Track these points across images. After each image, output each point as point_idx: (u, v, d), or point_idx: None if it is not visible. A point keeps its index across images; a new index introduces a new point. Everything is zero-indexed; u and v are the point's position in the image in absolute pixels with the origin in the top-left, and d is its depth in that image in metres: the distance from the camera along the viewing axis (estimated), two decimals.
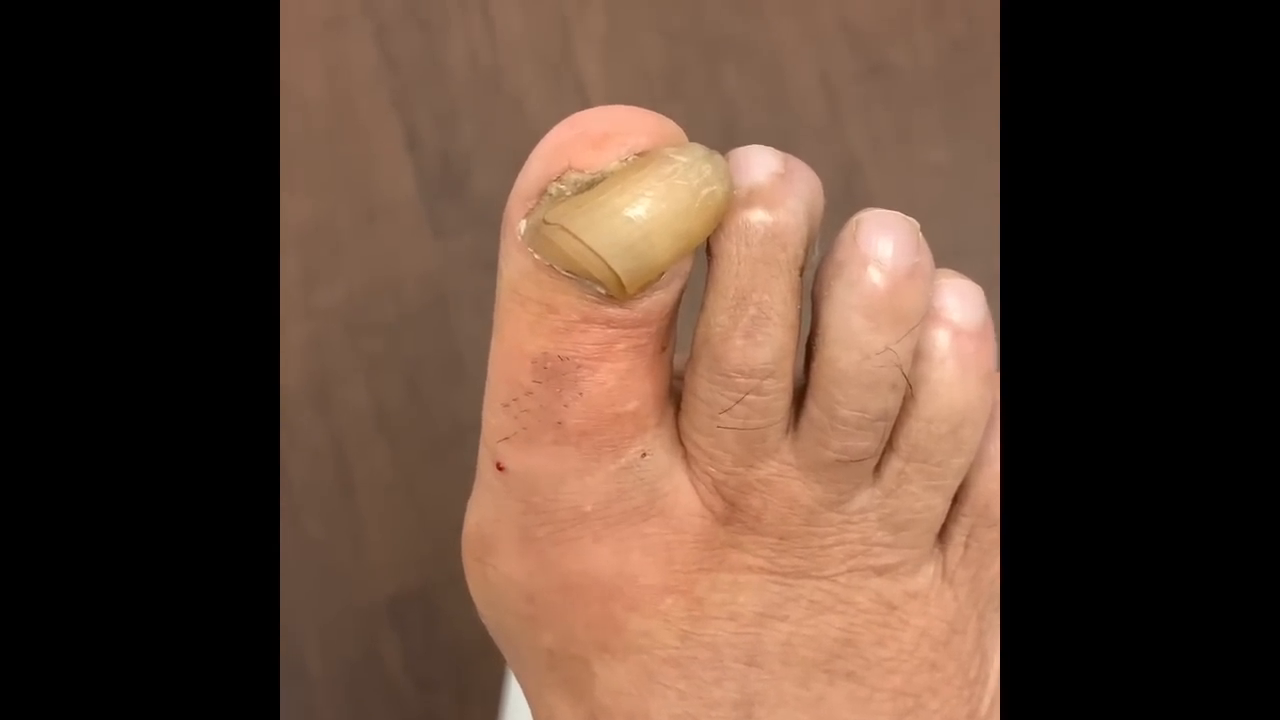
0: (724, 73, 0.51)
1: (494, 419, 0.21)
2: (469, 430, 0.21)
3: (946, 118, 0.51)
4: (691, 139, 0.46)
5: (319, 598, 0.50)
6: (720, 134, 0.50)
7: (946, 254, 0.50)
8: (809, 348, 0.21)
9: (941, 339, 0.21)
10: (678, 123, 0.56)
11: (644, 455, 0.21)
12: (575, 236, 0.19)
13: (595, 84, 0.51)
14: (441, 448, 0.50)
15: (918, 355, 0.21)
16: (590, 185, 0.19)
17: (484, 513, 0.22)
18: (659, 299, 0.20)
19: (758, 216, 0.20)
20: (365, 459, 0.50)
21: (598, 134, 0.20)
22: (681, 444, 0.21)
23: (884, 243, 0.20)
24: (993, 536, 0.22)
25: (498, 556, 0.22)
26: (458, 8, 0.52)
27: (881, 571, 0.21)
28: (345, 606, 0.50)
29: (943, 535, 0.22)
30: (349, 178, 0.51)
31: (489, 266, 0.21)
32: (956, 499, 0.22)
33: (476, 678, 0.49)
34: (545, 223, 0.20)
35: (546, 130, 0.22)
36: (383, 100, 0.51)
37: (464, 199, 0.51)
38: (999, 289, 0.20)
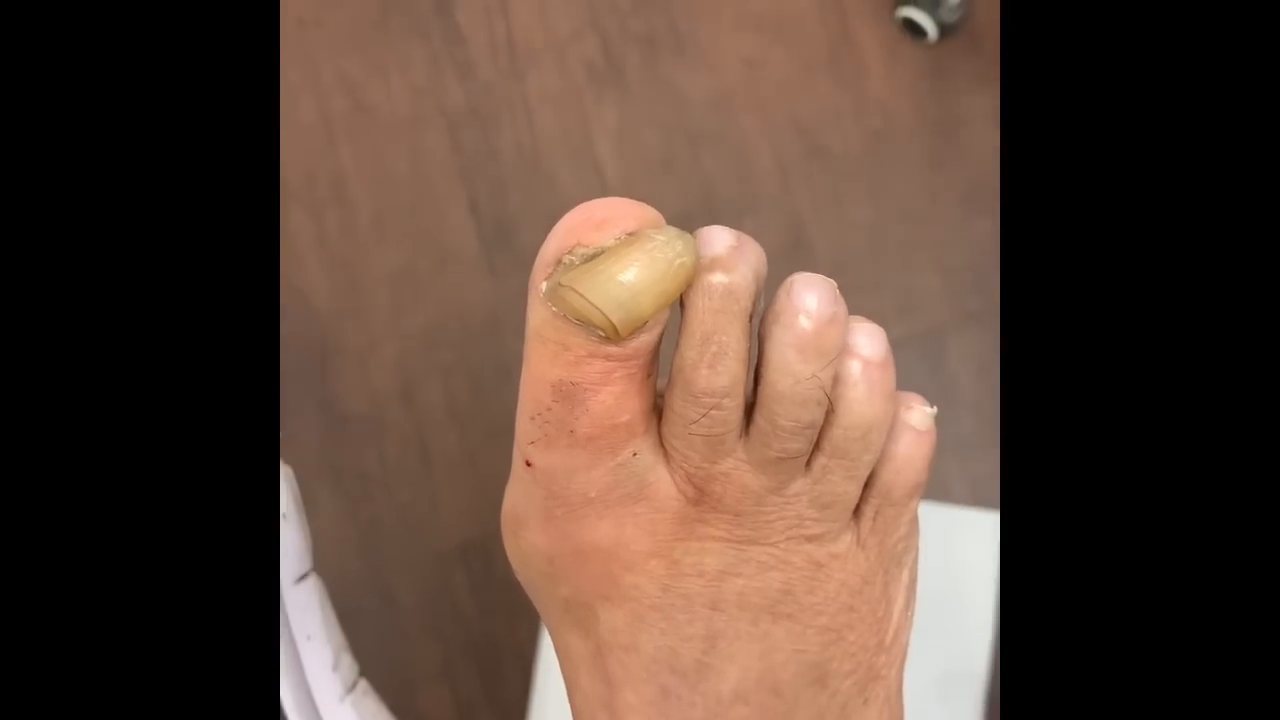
0: (704, 156, 0.51)
1: (523, 427, 0.21)
2: (514, 424, 0.21)
3: (869, 188, 0.50)
4: (680, 206, 0.46)
5: (407, 546, 0.50)
6: (701, 202, 0.49)
7: (867, 287, 0.50)
8: (756, 375, 0.21)
9: (854, 368, 0.21)
10: (670, 194, 0.56)
11: (635, 454, 0.21)
12: (582, 295, 0.19)
13: (609, 164, 0.51)
14: (495, 434, 0.50)
15: (836, 380, 0.21)
16: (593, 257, 0.19)
17: (517, 498, 0.22)
18: (645, 340, 0.20)
19: (718, 278, 0.20)
20: (440, 442, 0.50)
21: (599, 219, 0.20)
22: (662, 446, 0.21)
23: (810, 298, 0.20)
24: (894, 513, 0.22)
25: (527, 530, 0.22)
26: (507, 109, 0.52)
27: (811, 539, 0.21)
28: (426, 552, 0.50)
29: (856, 512, 0.22)
30: (428, 234, 0.51)
31: None
32: (866, 485, 0.22)
33: (523, 606, 0.49)
34: (560, 285, 0.20)
35: (573, 200, 0.22)
36: (452, 177, 0.51)
37: (512, 250, 0.51)
38: (999, 297, 0.20)
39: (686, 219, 0.54)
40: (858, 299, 0.50)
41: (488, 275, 0.50)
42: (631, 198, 0.20)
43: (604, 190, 0.51)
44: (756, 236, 0.33)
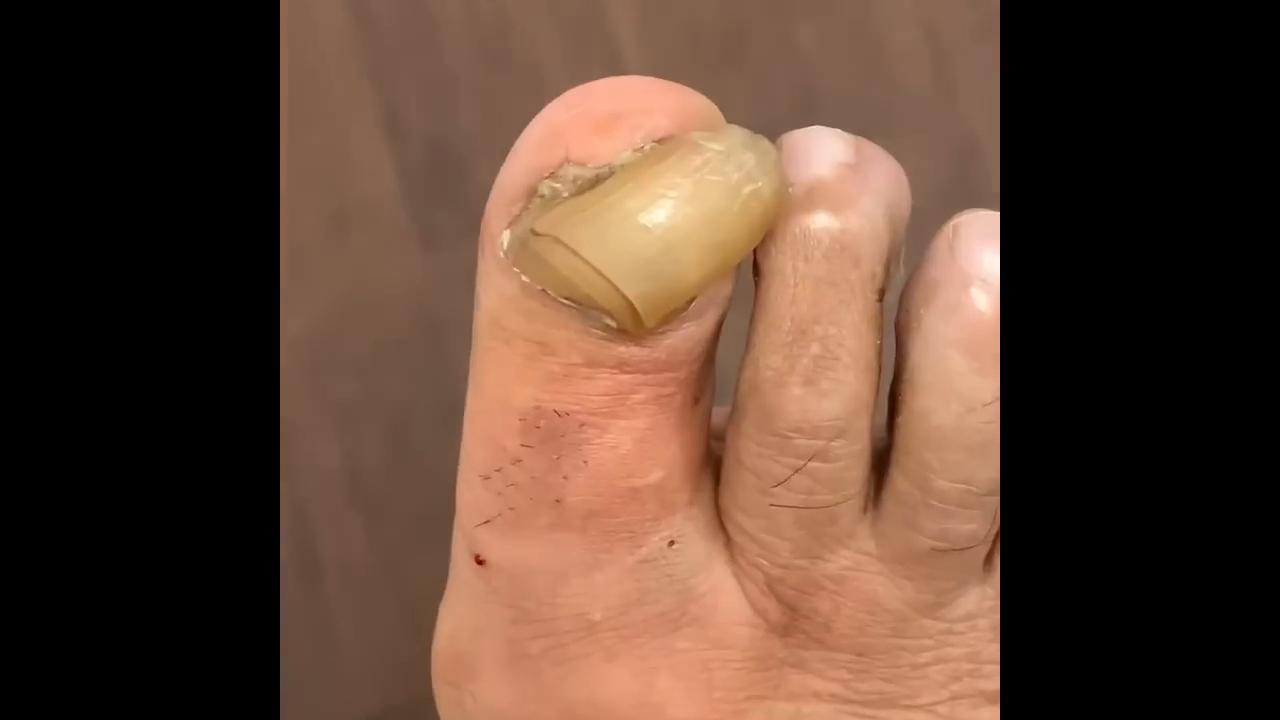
0: (798, 28, 0.51)
1: (471, 496, 0.21)
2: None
3: None
4: (755, 112, 0.47)
5: (281, 716, 0.50)
6: (793, 107, 0.49)
7: None
8: (893, 397, 0.21)
9: None
10: (738, 93, 0.56)
11: (671, 544, 0.21)
12: (574, 252, 0.19)
13: (630, 46, 0.51)
14: (433, 520, 0.50)
15: None
16: (594, 183, 0.19)
17: (460, 621, 0.22)
18: (688, 334, 0.20)
19: (821, 222, 0.20)
20: (336, 536, 0.50)
21: (604, 114, 0.20)
22: (723, 528, 0.21)
23: (991, 256, 0.20)
24: None
25: (478, 681, 0.22)
26: None
27: (997, 699, 0.21)
28: None
29: None
30: (314, 173, 0.51)
31: None
32: None
33: None
34: (534, 234, 0.20)
35: None
36: (356, 73, 0.52)
37: (460, 198, 0.51)
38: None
39: (766, 132, 0.54)
40: None
41: (416, 243, 0.51)
42: None
43: None
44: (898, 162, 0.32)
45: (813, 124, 0.50)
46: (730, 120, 0.51)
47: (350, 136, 0.52)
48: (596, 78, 0.52)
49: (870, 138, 0.50)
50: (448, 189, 0.51)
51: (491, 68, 0.52)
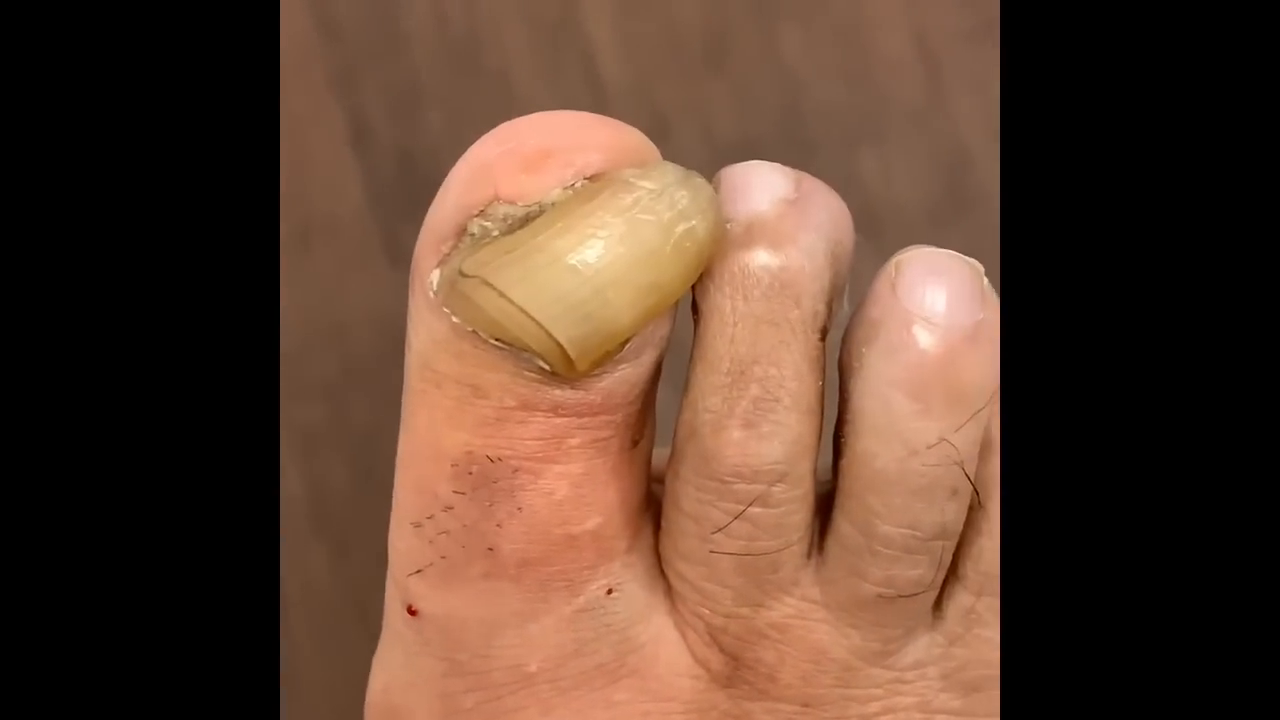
0: (783, 33, 0.51)
1: (403, 544, 0.21)
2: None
3: None
4: (740, 131, 0.47)
5: None
6: (779, 117, 0.49)
7: None
8: (836, 440, 0.21)
9: None
10: (720, 108, 0.56)
11: (610, 592, 0.21)
12: (502, 294, 0.19)
13: (606, 53, 0.51)
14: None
15: (987, 448, 0.20)
16: (524, 222, 0.20)
17: (393, 675, 0.22)
18: (624, 376, 0.20)
19: (760, 260, 0.20)
20: (299, 567, 0.50)
21: (534, 151, 0.20)
22: (663, 576, 0.21)
23: (934, 293, 0.20)
24: None
25: None
26: None
27: None
28: None
29: None
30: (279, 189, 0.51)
31: None
32: None
33: None
34: (462, 274, 0.20)
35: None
36: (319, 80, 0.52)
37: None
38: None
39: (750, 154, 0.54)
40: None
41: (385, 259, 0.51)
42: (644, 114, 0.21)
43: (599, 104, 0.51)
44: (881, 182, 0.33)
45: (802, 141, 0.50)
46: (713, 131, 0.51)
47: (314, 148, 0.52)
48: (571, 86, 0.52)
49: (859, 148, 0.50)
50: (417, 203, 0.51)
51: (460, 74, 0.52)
